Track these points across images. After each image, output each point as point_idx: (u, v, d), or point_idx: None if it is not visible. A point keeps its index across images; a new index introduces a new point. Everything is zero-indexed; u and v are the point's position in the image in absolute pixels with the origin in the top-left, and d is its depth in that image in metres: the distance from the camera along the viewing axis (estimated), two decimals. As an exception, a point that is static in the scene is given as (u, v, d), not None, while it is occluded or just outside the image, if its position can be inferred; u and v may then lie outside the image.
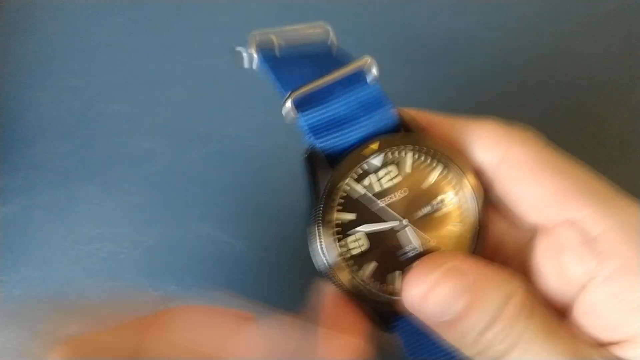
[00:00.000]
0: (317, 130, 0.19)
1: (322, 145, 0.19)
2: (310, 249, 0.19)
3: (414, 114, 0.21)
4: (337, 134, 0.19)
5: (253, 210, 0.31)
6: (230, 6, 0.37)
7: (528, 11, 0.36)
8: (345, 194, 0.19)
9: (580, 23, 0.35)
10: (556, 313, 0.18)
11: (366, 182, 0.19)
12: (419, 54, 0.35)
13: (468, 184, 0.20)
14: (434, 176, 0.20)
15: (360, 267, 0.19)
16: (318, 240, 0.19)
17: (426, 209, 0.19)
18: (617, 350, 0.17)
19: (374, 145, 0.19)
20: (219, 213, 0.31)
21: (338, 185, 0.19)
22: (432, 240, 0.19)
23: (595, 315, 0.18)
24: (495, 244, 0.21)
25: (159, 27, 0.36)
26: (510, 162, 0.19)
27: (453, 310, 0.17)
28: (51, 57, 0.35)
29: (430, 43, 0.36)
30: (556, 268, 0.19)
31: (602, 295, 0.17)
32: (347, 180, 0.19)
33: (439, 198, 0.20)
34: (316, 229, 0.19)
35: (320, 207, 0.19)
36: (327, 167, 0.19)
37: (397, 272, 0.19)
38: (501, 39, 0.35)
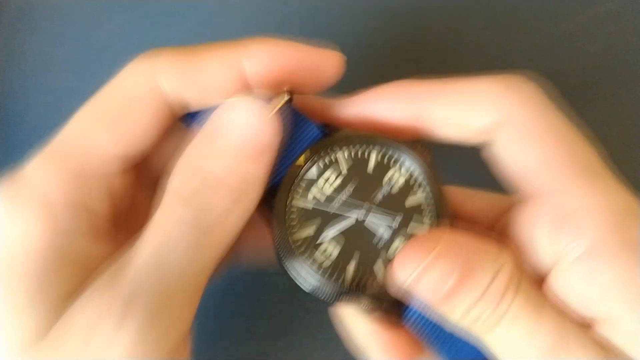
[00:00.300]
0: None
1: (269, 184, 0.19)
2: (290, 279, 0.19)
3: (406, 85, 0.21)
4: (275, 168, 0.19)
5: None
6: (230, 6, 0.37)
7: (527, 11, 0.36)
8: (297, 213, 0.19)
9: (580, 23, 0.35)
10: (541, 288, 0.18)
11: (312, 194, 0.19)
12: (417, 54, 0.35)
13: (407, 153, 0.20)
14: (372, 160, 0.20)
15: (340, 274, 0.19)
16: (291, 270, 0.19)
17: (381, 191, 0.20)
18: (597, 329, 0.17)
19: (302, 160, 0.20)
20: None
21: (286, 210, 0.19)
22: (398, 214, 0.20)
23: (569, 293, 0.18)
24: (474, 212, 0.21)
25: (160, 27, 0.36)
26: (508, 125, 0.19)
27: (444, 289, 0.17)
28: (51, 58, 0.36)
29: (428, 43, 0.36)
30: (531, 240, 0.19)
31: (573, 274, 0.17)
32: (292, 201, 0.19)
33: (387, 177, 0.20)
34: (284, 260, 0.19)
35: (279, 239, 0.19)
36: (272, 198, 0.19)
37: (380, 261, 0.19)
38: (500, 39, 0.35)
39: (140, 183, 0.21)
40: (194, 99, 0.19)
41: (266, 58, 0.19)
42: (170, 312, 0.17)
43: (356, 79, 0.35)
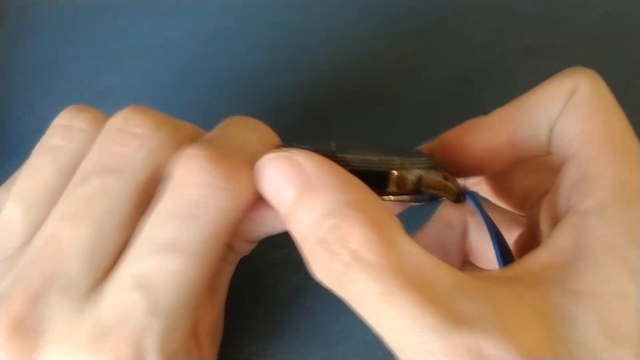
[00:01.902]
0: None
1: None
2: None
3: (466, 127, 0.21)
4: None
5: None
6: (231, 7, 0.37)
7: (524, 14, 0.36)
8: None
9: (577, 26, 0.36)
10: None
11: None
12: (416, 55, 0.35)
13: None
14: None
15: None
16: None
17: None
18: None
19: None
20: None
21: None
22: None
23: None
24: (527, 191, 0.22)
25: (161, 30, 0.37)
26: (572, 105, 0.19)
27: (285, 199, 0.17)
28: (52, 61, 0.36)
29: (427, 45, 0.36)
30: (556, 193, 0.19)
31: (572, 219, 0.17)
32: None
33: None
34: None
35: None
36: None
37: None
38: (498, 42, 0.35)
39: None
40: None
41: None
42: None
43: (358, 81, 0.35)
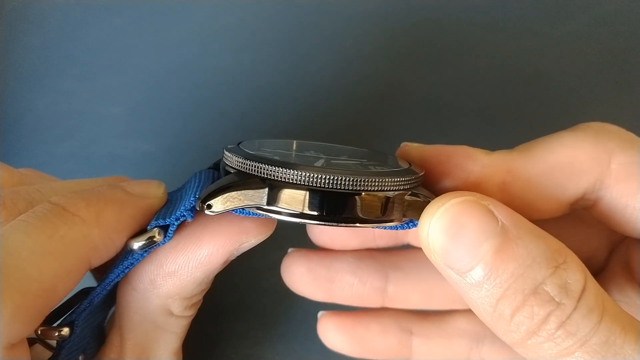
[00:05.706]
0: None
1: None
2: None
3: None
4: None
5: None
6: (230, 7, 0.37)
7: (526, 14, 0.36)
8: None
9: (580, 24, 0.36)
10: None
11: None
12: (417, 55, 0.35)
13: None
14: None
15: None
16: None
17: None
18: None
19: None
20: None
21: None
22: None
23: None
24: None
25: (158, 29, 0.37)
26: (614, 174, 0.17)
27: (480, 255, 0.14)
28: (49, 60, 0.36)
29: (428, 44, 0.36)
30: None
31: None
32: None
33: None
34: None
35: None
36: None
37: None
38: (498, 42, 0.35)
39: None
40: None
41: None
42: None
43: (356, 82, 0.35)
